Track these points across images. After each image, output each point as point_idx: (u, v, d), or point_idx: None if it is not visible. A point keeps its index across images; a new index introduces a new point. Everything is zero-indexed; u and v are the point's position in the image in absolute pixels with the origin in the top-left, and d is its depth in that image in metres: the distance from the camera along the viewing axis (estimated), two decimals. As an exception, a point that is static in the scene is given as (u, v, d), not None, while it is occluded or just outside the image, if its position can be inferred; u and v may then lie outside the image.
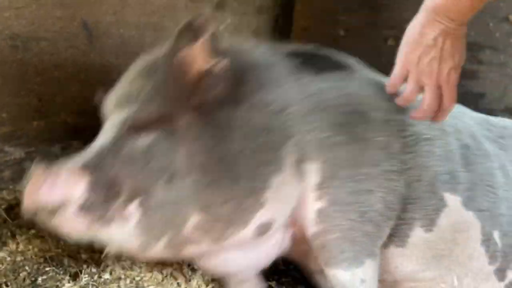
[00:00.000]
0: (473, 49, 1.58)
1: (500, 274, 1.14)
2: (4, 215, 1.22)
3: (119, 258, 1.12)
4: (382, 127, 1.07)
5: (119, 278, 1.08)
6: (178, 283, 1.11)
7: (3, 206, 1.25)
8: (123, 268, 1.11)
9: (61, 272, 1.08)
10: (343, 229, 1.04)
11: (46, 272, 1.07)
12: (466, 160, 1.13)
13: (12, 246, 1.12)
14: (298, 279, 1.28)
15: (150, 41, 1.56)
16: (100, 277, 1.08)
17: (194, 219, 0.96)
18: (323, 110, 1.05)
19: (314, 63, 1.11)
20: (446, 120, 1.12)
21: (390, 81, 0.99)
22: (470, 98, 1.55)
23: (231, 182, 0.98)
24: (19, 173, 1.35)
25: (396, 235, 1.09)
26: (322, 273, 1.10)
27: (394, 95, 1.01)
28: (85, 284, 1.05)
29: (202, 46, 0.95)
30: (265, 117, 1.02)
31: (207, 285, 1.13)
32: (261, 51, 1.12)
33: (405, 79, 0.97)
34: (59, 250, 1.14)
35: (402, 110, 1.08)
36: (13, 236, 1.17)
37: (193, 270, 1.15)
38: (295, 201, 1.04)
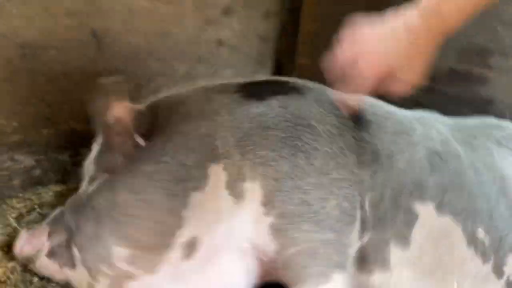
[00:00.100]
0: (482, 54, 1.56)
1: (498, 271, 1.10)
2: (14, 223, 1.23)
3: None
4: (332, 139, 1.06)
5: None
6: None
7: (13, 215, 1.27)
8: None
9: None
10: (298, 242, 1.01)
11: (56, 283, 1.09)
12: (434, 166, 1.11)
13: (22, 254, 1.13)
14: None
15: (157, 48, 1.57)
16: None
17: (117, 252, 1.02)
18: (263, 129, 1.06)
19: (259, 92, 1.13)
20: (416, 130, 1.14)
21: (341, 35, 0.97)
22: (479, 103, 1.54)
23: (145, 208, 1.03)
24: (29, 181, 1.37)
25: (377, 261, 1.06)
26: None
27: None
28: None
29: (124, 100, 1.07)
30: (184, 140, 1.06)
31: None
32: (202, 90, 1.16)
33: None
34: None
35: (359, 127, 1.08)
36: (23, 244, 1.17)
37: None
38: (227, 219, 1.03)
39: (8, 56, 1.29)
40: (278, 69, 1.97)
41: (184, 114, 1.10)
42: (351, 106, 1.02)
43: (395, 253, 1.06)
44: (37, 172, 1.39)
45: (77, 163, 1.35)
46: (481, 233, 1.09)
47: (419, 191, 1.09)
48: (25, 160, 1.36)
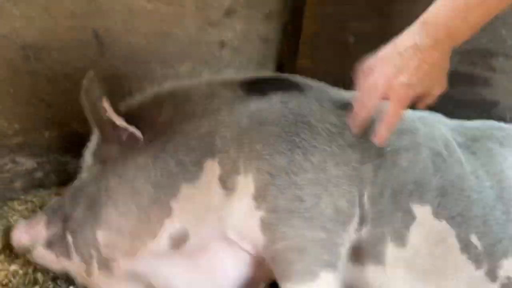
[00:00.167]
0: (485, 56, 1.55)
1: (491, 275, 1.09)
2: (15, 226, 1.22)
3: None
4: (330, 137, 1.05)
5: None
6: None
7: (14, 217, 1.25)
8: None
9: (74, 285, 1.09)
10: (287, 237, 1.00)
11: (58, 285, 1.09)
12: (437, 167, 1.11)
13: (23, 258, 1.12)
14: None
15: (158, 49, 1.57)
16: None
17: (99, 236, 1.04)
18: (261, 125, 1.06)
19: (261, 88, 1.13)
20: (419, 129, 1.13)
21: (358, 72, 0.98)
22: (482, 106, 1.53)
23: (130, 195, 1.03)
24: (30, 184, 1.36)
25: (372, 253, 1.05)
26: None
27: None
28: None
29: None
30: (185, 140, 1.06)
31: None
32: (206, 83, 1.16)
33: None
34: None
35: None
36: (25, 248, 1.16)
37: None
38: (216, 211, 1.03)
39: (9, 57, 1.28)
40: (280, 71, 1.97)
41: (188, 113, 1.10)
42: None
43: (391, 250, 1.05)
44: (39, 174, 1.39)
45: (79, 165, 1.36)
46: (474, 239, 1.08)
47: (419, 192, 1.08)
48: (27, 162, 1.35)
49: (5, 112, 1.29)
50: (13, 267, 1.09)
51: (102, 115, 1.06)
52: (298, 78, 1.19)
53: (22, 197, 1.32)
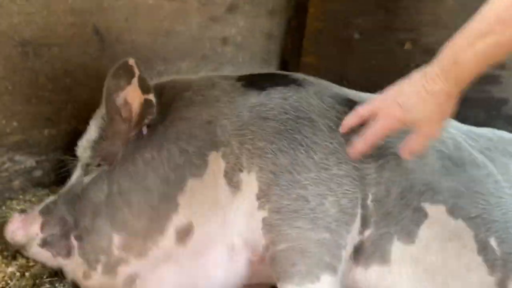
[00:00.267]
0: None
1: (502, 285, 1.08)
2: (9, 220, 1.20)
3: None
4: (331, 134, 1.05)
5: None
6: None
7: (13, 217, 1.23)
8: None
9: (68, 281, 1.07)
10: (290, 238, 0.99)
11: (55, 287, 1.07)
12: (447, 170, 1.09)
13: (21, 260, 1.11)
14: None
15: (162, 46, 1.55)
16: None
17: (116, 240, 1.03)
18: (262, 120, 1.05)
19: (261, 82, 1.13)
20: None
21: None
22: (492, 103, 1.53)
23: (142, 194, 1.03)
24: (29, 183, 1.35)
25: (376, 252, 1.04)
26: None
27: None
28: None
29: (135, 84, 1.04)
30: (186, 127, 1.06)
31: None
32: (207, 76, 1.17)
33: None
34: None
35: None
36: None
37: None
38: (225, 211, 1.03)
39: (8, 54, 1.26)
40: (283, 67, 1.95)
41: (187, 100, 1.10)
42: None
43: (398, 247, 1.04)
44: (38, 173, 1.37)
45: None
46: (493, 242, 1.07)
47: (431, 193, 1.07)
48: (26, 161, 1.34)
49: (3, 109, 1.27)
50: (11, 269, 1.07)
51: (114, 106, 1.05)
52: (298, 75, 1.18)
53: (21, 196, 1.31)
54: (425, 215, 1.05)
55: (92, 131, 1.14)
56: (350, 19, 1.81)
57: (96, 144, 1.11)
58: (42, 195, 1.32)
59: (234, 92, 1.11)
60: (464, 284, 1.06)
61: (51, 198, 1.14)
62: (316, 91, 1.11)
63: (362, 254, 1.04)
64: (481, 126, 1.28)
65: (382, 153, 1.06)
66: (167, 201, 1.02)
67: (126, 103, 1.05)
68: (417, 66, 1.72)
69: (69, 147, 1.37)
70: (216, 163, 1.03)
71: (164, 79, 1.18)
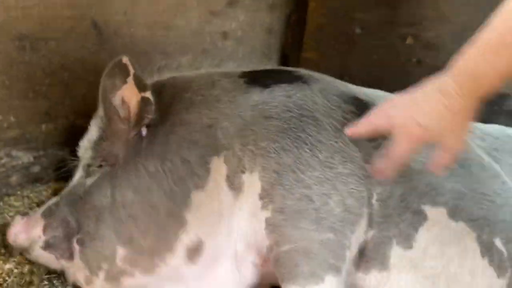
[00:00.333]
0: None
1: None
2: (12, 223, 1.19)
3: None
4: (336, 133, 1.02)
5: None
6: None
7: (10, 213, 1.22)
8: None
9: (69, 283, 1.06)
10: (293, 239, 0.97)
11: (54, 285, 1.06)
12: (453, 170, 1.06)
13: (19, 257, 1.10)
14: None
15: (161, 40, 1.53)
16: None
17: (120, 252, 1.01)
18: (265, 119, 1.03)
19: (263, 79, 1.10)
20: None
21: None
22: (494, 98, 1.44)
23: (149, 211, 1.01)
24: (27, 179, 1.33)
25: (377, 258, 1.02)
26: None
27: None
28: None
29: (131, 83, 1.03)
30: (187, 133, 1.04)
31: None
32: (205, 74, 1.14)
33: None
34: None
35: None
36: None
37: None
38: (229, 215, 1.01)
39: (5, 48, 1.24)
40: (284, 62, 1.93)
41: (187, 101, 1.08)
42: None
43: (396, 252, 1.02)
44: (36, 169, 1.35)
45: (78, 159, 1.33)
46: (499, 243, 1.04)
47: (432, 195, 1.04)
48: (23, 157, 1.32)
49: (0, 104, 1.25)
50: (8, 266, 1.06)
51: (111, 107, 1.04)
52: (303, 71, 1.16)
53: (19, 192, 1.29)
54: (424, 218, 1.03)
55: (93, 131, 1.12)
56: (351, 14, 1.79)
57: (97, 145, 1.09)
58: (40, 191, 1.31)
59: (235, 91, 1.08)
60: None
61: (53, 200, 1.12)
62: (321, 89, 1.09)
63: (363, 258, 1.03)
64: (483, 121, 1.26)
65: None
66: (174, 219, 1.00)
67: (123, 102, 1.03)
68: (419, 61, 1.74)
69: (67, 142, 1.38)
70: (218, 169, 1.01)
71: (164, 77, 1.15)
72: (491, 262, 1.03)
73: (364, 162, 1.02)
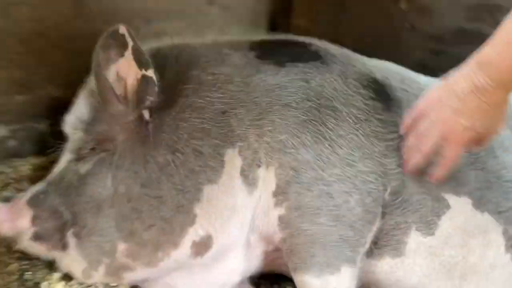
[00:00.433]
0: (494, 11, 1.47)
1: None
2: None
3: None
4: (356, 125, 0.99)
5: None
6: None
7: (-14, 189, 1.19)
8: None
9: (51, 267, 1.02)
10: (311, 233, 0.96)
11: (35, 265, 1.02)
12: (475, 158, 1.04)
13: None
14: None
15: (142, 5, 1.46)
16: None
17: (121, 247, 0.97)
18: (283, 107, 0.97)
19: (277, 54, 1.03)
20: None
21: (406, 117, 0.98)
22: None
23: (155, 204, 0.95)
24: (3, 153, 1.28)
25: (390, 244, 1.01)
26: None
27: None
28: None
29: (129, 57, 0.94)
30: (198, 120, 0.97)
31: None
32: (212, 45, 1.05)
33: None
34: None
35: (386, 109, 1.01)
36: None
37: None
38: (242, 211, 0.97)
39: (-27, 14, 1.18)
40: (273, 30, 1.87)
41: (195, 81, 0.99)
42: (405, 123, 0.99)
43: (415, 239, 1.00)
44: (12, 143, 1.30)
45: (57, 132, 1.26)
46: None
47: (453, 184, 1.01)
48: (-2, 130, 1.28)
49: (-30, 75, 1.21)
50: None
51: (106, 83, 0.94)
52: (317, 43, 1.08)
53: (-6, 168, 1.25)
54: (447, 206, 1.01)
55: (83, 109, 1.03)
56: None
57: (90, 126, 1.00)
58: (17, 166, 1.27)
59: (247, 69, 1.01)
60: (486, 281, 1.03)
61: (40, 186, 1.03)
62: (340, 72, 1.03)
63: (375, 246, 1.01)
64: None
65: (401, 142, 1.00)
66: (183, 213, 0.95)
67: (118, 78, 0.94)
68: (413, 27, 1.68)
69: (46, 115, 1.32)
70: (233, 162, 0.96)
71: (163, 45, 1.04)
72: None
73: (382, 157, 0.99)
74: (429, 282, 1.02)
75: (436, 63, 1.49)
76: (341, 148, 0.96)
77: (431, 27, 1.55)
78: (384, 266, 1.01)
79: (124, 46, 0.92)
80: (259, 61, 1.01)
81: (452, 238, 1.01)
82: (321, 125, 0.97)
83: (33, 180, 1.18)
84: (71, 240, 0.98)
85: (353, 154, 0.97)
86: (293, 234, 0.96)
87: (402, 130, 0.99)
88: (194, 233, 0.96)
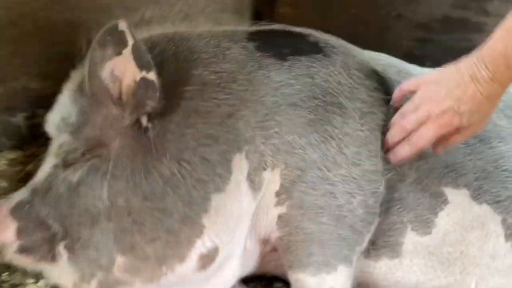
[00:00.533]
0: (479, 0, 1.47)
1: None
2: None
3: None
4: (362, 120, 0.97)
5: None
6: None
7: (-42, 187, 1.15)
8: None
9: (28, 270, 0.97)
10: (310, 231, 0.94)
11: (12, 268, 0.99)
12: (472, 148, 1.03)
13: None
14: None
15: (122, -7, 1.41)
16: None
17: (119, 261, 0.91)
18: (289, 107, 0.94)
19: (278, 47, 0.99)
20: None
21: (397, 89, 0.98)
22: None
23: (159, 217, 0.90)
24: None
25: (387, 245, 0.99)
26: None
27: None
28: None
29: (128, 57, 0.86)
30: (205, 126, 0.92)
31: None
32: (210, 37, 0.99)
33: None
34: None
35: (388, 100, 0.98)
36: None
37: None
38: (246, 218, 0.94)
39: None
40: (258, 19, 1.83)
41: (198, 81, 0.93)
42: (396, 96, 0.97)
43: (411, 239, 0.99)
44: (-14, 137, 1.29)
45: (34, 126, 1.24)
46: None
47: (453, 176, 1.00)
48: (-29, 124, 1.25)
49: None
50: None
51: (100, 83, 0.87)
52: (314, 34, 1.04)
53: (-31, 163, 1.22)
54: (445, 202, 0.99)
55: (69, 109, 0.93)
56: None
57: (78, 129, 0.92)
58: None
59: (249, 64, 0.96)
60: (489, 271, 1.01)
61: (23, 193, 0.94)
62: (343, 64, 1.00)
63: (372, 248, 0.99)
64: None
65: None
66: (190, 224, 0.90)
67: (113, 77, 0.87)
68: (399, 15, 1.67)
69: (20, 107, 1.28)
70: (240, 167, 0.92)
71: (155, 34, 0.98)
72: None
73: (384, 152, 0.97)
74: (429, 281, 1.01)
75: (423, 51, 1.49)
76: (347, 147, 0.94)
77: (418, 15, 1.54)
78: (382, 267, 1.00)
79: (122, 43, 0.85)
80: (259, 55, 0.97)
81: (449, 235, 1.00)
82: (327, 124, 0.94)
83: (10, 176, 1.14)
84: (63, 252, 0.92)
85: (360, 153, 0.95)
86: (291, 233, 0.94)
87: (392, 103, 0.97)
88: (201, 245, 0.91)
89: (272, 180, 0.93)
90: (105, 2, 1.37)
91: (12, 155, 1.24)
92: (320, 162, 0.93)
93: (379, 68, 1.04)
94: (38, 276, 0.99)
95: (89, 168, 0.91)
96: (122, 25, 0.85)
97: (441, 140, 0.93)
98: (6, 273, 0.99)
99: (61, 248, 0.92)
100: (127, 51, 0.86)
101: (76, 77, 0.95)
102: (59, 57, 1.20)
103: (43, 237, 0.91)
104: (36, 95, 1.26)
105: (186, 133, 0.91)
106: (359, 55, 1.05)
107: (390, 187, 0.97)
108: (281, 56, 0.98)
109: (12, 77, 1.25)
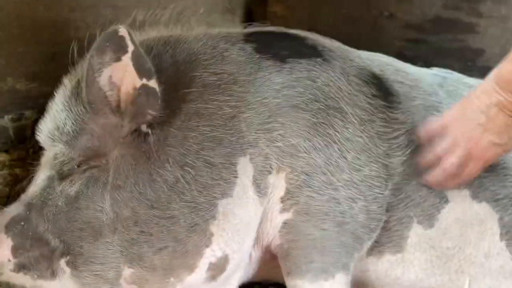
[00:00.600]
0: (471, 0, 1.48)
1: None
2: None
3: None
4: (361, 127, 0.97)
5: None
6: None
7: None
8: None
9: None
10: (313, 238, 0.94)
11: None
12: None
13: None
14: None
15: (110, -8, 1.40)
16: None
17: (126, 273, 0.90)
18: (292, 109, 0.94)
19: (276, 49, 0.98)
20: (442, 102, 1.06)
21: (423, 129, 0.98)
22: (468, 54, 1.47)
23: (166, 225, 0.89)
24: None
25: (392, 240, 1.00)
26: None
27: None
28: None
29: (127, 63, 0.85)
30: (208, 128, 0.91)
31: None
32: (206, 39, 0.98)
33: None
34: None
35: (387, 106, 0.99)
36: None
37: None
38: (255, 224, 0.94)
39: None
40: (249, 18, 1.82)
41: (199, 84, 0.92)
42: (424, 134, 0.98)
43: (416, 232, 1.00)
44: (-28, 140, 1.27)
45: (21, 128, 1.22)
46: None
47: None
48: (-43, 126, 1.22)
49: None
50: None
51: (98, 91, 0.85)
52: (311, 37, 1.04)
53: (-47, 168, 1.20)
54: (446, 201, 1.00)
55: (63, 117, 0.91)
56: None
57: (74, 139, 0.89)
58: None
59: (249, 65, 0.95)
60: (482, 271, 1.02)
61: (15, 208, 0.92)
62: (342, 70, 1.00)
63: (377, 244, 1.00)
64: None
65: (409, 140, 0.99)
66: (198, 232, 0.89)
67: (111, 84, 0.85)
68: (391, 15, 1.67)
69: (7, 109, 1.26)
70: (245, 171, 0.91)
71: (150, 37, 0.96)
72: (509, 245, 1.02)
73: (385, 158, 0.98)
74: (426, 278, 1.01)
75: (415, 51, 1.49)
76: (348, 152, 0.95)
77: (409, 16, 1.54)
78: (384, 263, 1.00)
79: (122, 50, 0.84)
80: (258, 56, 0.97)
81: (450, 229, 1.01)
82: (330, 128, 0.95)
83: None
84: (65, 269, 0.90)
85: (359, 158, 0.95)
86: (293, 240, 0.94)
87: (420, 141, 0.98)
88: (211, 254, 0.90)
89: (276, 185, 0.92)
90: (92, 2, 1.35)
91: (2, 158, 1.21)
92: (324, 166, 0.93)
93: (376, 70, 1.04)
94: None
95: (87, 180, 0.89)
96: (123, 31, 0.83)
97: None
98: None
99: (62, 264, 0.89)
100: (127, 58, 0.84)
101: (69, 82, 0.93)
102: (45, 57, 1.19)
103: (41, 254, 0.89)
104: (23, 96, 1.24)
105: (188, 137, 0.90)
106: (356, 59, 1.04)
107: (397, 190, 0.98)
108: (280, 58, 0.97)
109: (-2, 78, 1.24)
